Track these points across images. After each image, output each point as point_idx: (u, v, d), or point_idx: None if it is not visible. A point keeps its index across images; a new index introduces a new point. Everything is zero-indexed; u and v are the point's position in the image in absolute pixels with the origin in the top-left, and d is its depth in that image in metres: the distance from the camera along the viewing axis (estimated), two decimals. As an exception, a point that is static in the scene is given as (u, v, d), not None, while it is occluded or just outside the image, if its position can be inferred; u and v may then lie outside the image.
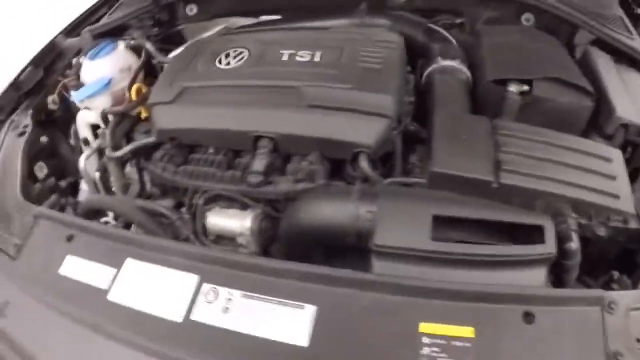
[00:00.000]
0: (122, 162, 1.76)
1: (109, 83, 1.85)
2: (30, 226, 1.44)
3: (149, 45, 1.95)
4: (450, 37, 1.80)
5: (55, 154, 1.97)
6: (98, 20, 2.20)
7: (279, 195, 1.44)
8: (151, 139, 1.63)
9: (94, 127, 1.93)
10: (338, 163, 1.47)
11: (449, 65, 1.63)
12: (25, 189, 1.66)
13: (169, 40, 2.14)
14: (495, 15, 1.89)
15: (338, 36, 1.68)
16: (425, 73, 1.67)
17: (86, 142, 1.92)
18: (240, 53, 1.66)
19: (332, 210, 1.28)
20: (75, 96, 1.85)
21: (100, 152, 1.90)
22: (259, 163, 1.44)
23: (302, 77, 1.51)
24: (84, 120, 1.93)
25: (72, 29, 2.19)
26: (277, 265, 1.18)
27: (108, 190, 1.90)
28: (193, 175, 1.51)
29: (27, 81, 1.99)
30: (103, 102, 1.86)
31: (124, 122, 1.81)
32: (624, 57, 1.73)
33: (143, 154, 1.69)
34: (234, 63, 1.63)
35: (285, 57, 1.60)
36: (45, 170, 1.89)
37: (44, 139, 1.91)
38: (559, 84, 1.50)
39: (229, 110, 1.52)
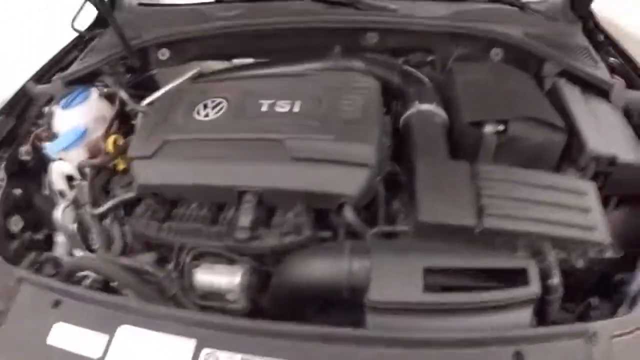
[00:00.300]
0: (101, 216, 1.72)
1: (83, 134, 1.80)
2: (13, 291, 1.38)
3: (122, 94, 1.91)
4: (425, 79, 1.82)
5: (29, 205, 1.90)
6: (69, 65, 2.15)
7: (267, 250, 1.42)
8: (132, 194, 1.59)
9: (69, 178, 1.88)
10: (322, 211, 1.47)
11: (426, 110, 1.65)
12: (1, 247, 1.60)
13: (141, 85, 2.10)
14: (466, 52, 1.93)
15: (315, 83, 1.67)
16: (403, 117, 1.68)
17: (62, 194, 1.86)
18: (219, 104, 1.64)
19: (324, 268, 1.27)
20: (49, 149, 1.80)
21: (76, 203, 1.86)
22: (245, 218, 1.42)
23: (283, 129, 1.50)
24: (59, 172, 1.87)
25: (43, 74, 2.13)
26: (275, 327, 1.17)
27: (86, 242, 1.85)
28: (178, 232, 1.48)
29: (-2, 132, 1.93)
30: (78, 153, 1.81)
31: (101, 174, 1.77)
32: (590, 86, 1.78)
33: (123, 208, 1.65)
34: (212, 114, 1.61)
35: (264, 108, 1.59)
36: (20, 224, 1.81)
37: (17, 191, 1.83)
38: (532, 122, 1.55)
39: (212, 165, 1.50)
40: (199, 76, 2.00)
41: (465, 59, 1.93)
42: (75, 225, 1.82)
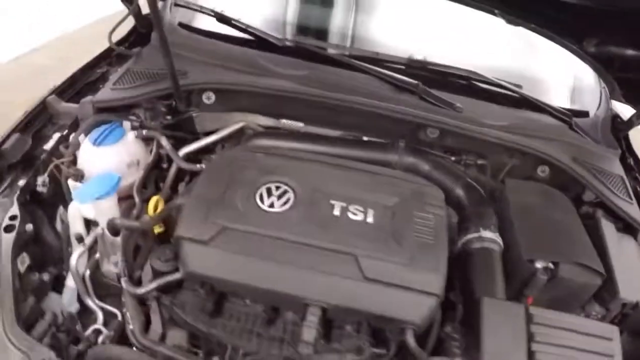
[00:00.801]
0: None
1: (117, 183, 1.58)
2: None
3: (165, 142, 1.70)
4: (485, 198, 1.75)
5: (38, 239, 1.67)
6: (97, 80, 1.89)
7: None
8: (177, 276, 1.42)
9: (87, 221, 1.67)
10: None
11: (488, 238, 1.59)
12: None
13: (175, 125, 1.88)
14: (516, 164, 1.89)
15: (387, 189, 1.56)
16: (464, 240, 1.61)
17: (80, 239, 1.64)
18: (284, 192, 1.49)
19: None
20: (78, 196, 1.56)
21: (91, 250, 1.65)
22: (309, 333, 1.31)
23: (358, 244, 1.40)
24: (78, 213, 1.65)
25: (66, 88, 1.86)
26: None
27: (99, 288, 1.65)
28: (233, 331, 1.36)
29: (13, 151, 1.66)
30: (109, 205, 1.59)
31: (134, 236, 1.57)
32: (622, 221, 1.82)
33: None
34: (278, 205, 1.46)
35: (337, 211, 1.46)
36: (27, 262, 1.59)
37: (29, 227, 1.59)
38: (580, 267, 1.57)
39: (278, 269, 1.36)
40: (248, 137, 1.83)
41: (515, 170, 1.90)
42: (88, 273, 1.63)
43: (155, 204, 1.58)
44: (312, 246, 1.38)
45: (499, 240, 1.61)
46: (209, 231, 1.39)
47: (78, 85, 1.90)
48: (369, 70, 1.92)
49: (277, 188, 1.51)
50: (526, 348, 1.31)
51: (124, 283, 1.46)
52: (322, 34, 2.31)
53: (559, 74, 2.36)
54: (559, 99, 2.23)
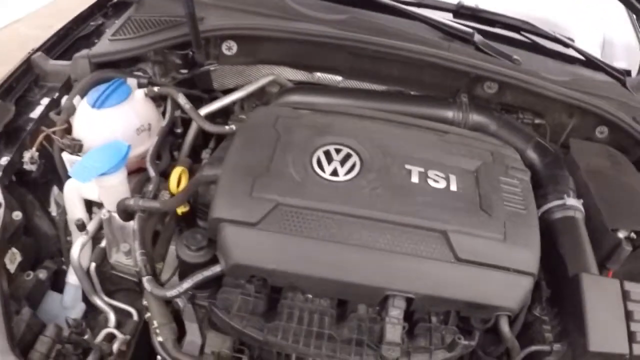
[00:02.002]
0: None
1: (127, 154, 1.15)
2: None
3: (185, 104, 1.28)
4: (561, 159, 1.41)
5: (29, 229, 1.25)
6: (92, 35, 1.44)
7: None
8: (218, 270, 1.02)
9: (89, 203, 1.25)
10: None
11: (572, 205, 1.26)
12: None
13: (188, 81, 1.45)
14: (576, 124, 1.55)
15: (464, 150, 1.19)
16: (545, 208, 1.27)
17: (82, 226, 1.21)
18: (348, 157, 1.09)
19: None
20: (76, 173, 1.12)
21: (96, 239, 1.24)
22: (394, 331, 0.97)
23: (445, 217, 1.03)
24: (77, 194, 1.23)
25: (55, 44, 1.41)
26: None
27: (107, 283, 1.24)
28: (297, 336, 0.98)
29: (-7, 119, 1.22)
30: (117, 182, 1.16)
31: (151, 222, 1.16)
32: None
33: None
34: (343, 173, 1.06)
35: (415, 179, 1.08)
36: (18, 259, 1.18)
37: (16, 215, 1.17)
38: None
39: (350, 253, 0.97)
40: (279, 92, 1.42)
41: (573, 130, 1.57)
42: (93, 266, 1.22)
43: (178, 177, 1.16)
44: (391, 222, 1.01)
45: (582, 207, 1.29)
46: (258, 210, 0.99)
47: (69, 40, 1.44)
48: (417, 15, 1.52)
49: (338, 151, 1.10)
50: (626, 328, 1.08)
51: (146, 283, 1.04)
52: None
53: (589, 29, 2.02)
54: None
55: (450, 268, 0.99)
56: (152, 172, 1.20)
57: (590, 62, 1.70)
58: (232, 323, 1.01)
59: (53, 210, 1.31)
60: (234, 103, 1.46)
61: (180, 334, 1.08)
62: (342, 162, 1.08)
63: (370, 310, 1.03)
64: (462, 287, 1.01)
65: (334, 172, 1.06)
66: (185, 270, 1.08)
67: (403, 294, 0.98)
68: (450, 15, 1.70)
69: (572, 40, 1.72)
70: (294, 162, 1.07)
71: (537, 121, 1.54)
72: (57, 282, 1.27)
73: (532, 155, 1.41)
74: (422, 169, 1.10)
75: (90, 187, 1.19)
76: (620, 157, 1.52)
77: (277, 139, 1.11)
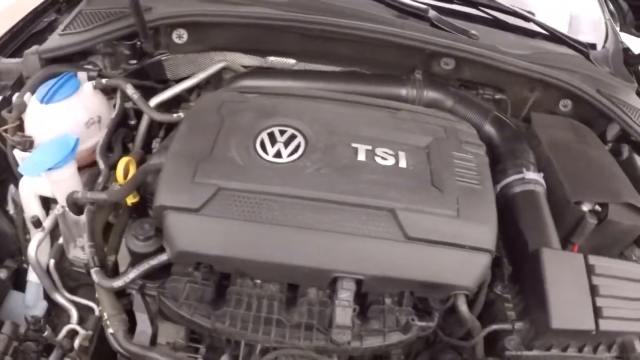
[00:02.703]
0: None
1: (75, 147, 1.13)
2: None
3: (132, 93, 1.25)
4: (520, 133, 1.38)
5: (-15, 229, 1.24)
6: (44, 31, 1.41)
7: (368, 352, 1.00)
8: (164, 259, 1.00)
9: (45, 200, 1.22)
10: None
11: (532, 179, 1.23)
12: None
13: (140, 73, 1.42)
14: (538, 98, 1.52)
15: (415, 126, 1.16)
16: (505, 183, 1.25)
17: (38, 223, 1.19)
18: (292, 137, 1.07)
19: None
20: (25, 169, 1.11)
21: (54, 235, 1.21)
22: (344, 315, 0.95)
23: (393, 195, 0.99)
24: (31, 192, 1.20)
25: (7, 42, 1.38)
26: None
27: (68, 279, 1.22)
28: (246, 323, 0.96)
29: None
30: (66, 176, 1.14)
31: (102, 213, 1.13)
32: None
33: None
34: (287, 154, 1.04)
35: (362, 156, 1.05)
36: None
37: (-33, 218, 1.16)
38: (628, 208, 1.25)
39: (297, 236, 0.95)
40: (231, 78, 1.39)
41: (535, 104, 1.54)
42: (52, 263, 1.20)
43: (125, 167, 1.14)
44: (337, 202, 0.98)
45: (542, 181, 1.26)
46: (200, 195, 0.96)
47: (22, 37, 1.41)
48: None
49: (282, 132, 1.08)
50: (591, 303, 1.04)
51: (94, 275, 1.03)
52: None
53: (555, 4, 1.97)
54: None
55: (400, 247, 0.96)
56: (101, 165, 1.18)
57: (553, 36, 1.65)
58: (180, 312, 0.99)
59: (10, 208, 1.28)
60: (188, 92, 1.43)
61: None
62: (286, 144, 1.06)
63: (320, 294, 1.00)
64: (413, 266, 0.98)
65: (277, 154, 1.04)
66: (135, 260, 1.06)
67: (351, 275, 0.95)
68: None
69: (533, 14, 1.67)
70: (236, 146, 1.04)
71: (497, 96, 1.51)
72: (19, 281, 1.25)
73: (490, 130, 1.38)
74: (369, 147, 1.07)
75: (43, 182, 1.17)
76: (585, 129, 1.49)
77: (221, 124, 1.09)
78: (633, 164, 1.44)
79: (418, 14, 1.48)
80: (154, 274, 1.03)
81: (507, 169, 1.27)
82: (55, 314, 1.24)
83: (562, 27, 1.80)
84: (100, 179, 1.16)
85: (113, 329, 1.02)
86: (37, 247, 1.17)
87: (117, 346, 1.02)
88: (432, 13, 1.47)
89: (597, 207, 1.24)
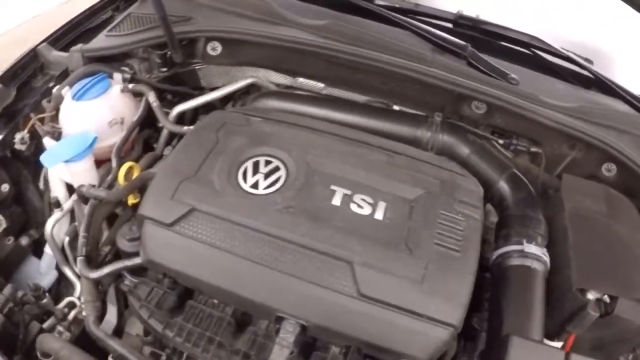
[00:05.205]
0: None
1: (92, 144, 1.23)
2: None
3: (153, 102, 1.32)
4: (536, 199, 1.24)
5: (20, 199, 1.37)
6: (99, 28, 1.52)
7: None
8: (137, 262, 1.06)
9: (69, 185, 1.34)
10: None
11: (532, 253, 1.10)
12: None
13: (177, 78, 1.48)
14: (578, 157, 1.35)
15: (408, 175, 1.10)
16: (500, 252, 1.13)
17: (57, 204, 1.31)
18: (275, 170, 1.07)
19: None
20: (44, 158, 1.22)
21: (72, 214, 1.32)
22: (280, 354, 0.93)
23: (357, 247, 0.96)
24: (58, 176, 1.32)
25: (62, 36, 1.51)
26: None
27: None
28: (190, 335, 0.99)
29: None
30: (83, 169, 1.24)
31: (104, 208, 1.22)
32: None
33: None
34: (264, 186, 1.04)
35: (337, 201, 1.02)
36: (3, 225, 1.29)
37: (5, 187, 1.29)
38: None
39: (250, 270, 0.95)
40: (256, 96, 1.41)
41: (575, 165, 1.37)
42: (67, 240, 1.31)
43: (127, 171, 1.21)
44: (296, 244, 0.96)
45: (546, 258, 1.12)
46: (175, 212, 1.00)
47: (76, 32, 1.54)
48: (405, 23, 1.42)
49: (268, 163, 1.08)
50: None
51: (78, 263, 1.11)
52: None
53: (635, 53, 1.75)
54: (633, 84, 1.60)
55: (350, 302, 0.92)
56: (113, 163, 1.26)
57: (609, 89, 1.47)
58: (140, 312, 1.04)
59: (42, 185, 1.42)
60: (221, 102, 1.48)
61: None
62: (267, 175, 1.06)
63: (271, 327, 1.00)
64: (361, 325, 0.93)
65: (255, 185, 1.04)
66: (121, 257, 1.13)
67: (295, 319, 0.94)
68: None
69: (592, 62, 1.50)
70: (220, 170, 1.07)
71: (533, 149, 1.36)
72: (39, 250, 1.39)
73: (504, 188, 1.26)
74: (348, 192, 1.03)
75: (64, 171, 1.29)
76: (623, 202, 1.28)
77: (214, 145, 1.11)
78: None
79: (455, 51, 1.39)
80: (138, 272, 1.10)
81: (510, 236, 1.15)
82: (63, 284, 1.36)
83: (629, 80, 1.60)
84: (109, 177, 1.24)
85: (85, 313, 1.11)
86: (53, 225, 1.28)
87: (87, 328, 1.10)
88: (469, 50, 1.38)
89: (606, 298, 1.07)
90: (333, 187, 1.04)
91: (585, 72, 1.51)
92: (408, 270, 0.94)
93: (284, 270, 0.95)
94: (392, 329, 0.93)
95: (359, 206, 1.02)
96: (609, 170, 1.34)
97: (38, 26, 1.66)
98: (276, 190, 1.04)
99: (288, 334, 0.94)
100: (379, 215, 1.01)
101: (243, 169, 1.07)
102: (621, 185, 1.33)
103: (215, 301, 1.03)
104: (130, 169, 1.22)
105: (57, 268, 1.34)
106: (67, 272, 1.28)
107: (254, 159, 1.09)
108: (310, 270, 0.94)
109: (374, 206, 1.02)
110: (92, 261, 1.15)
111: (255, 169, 1.07)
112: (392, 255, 0.96)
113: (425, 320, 0.92)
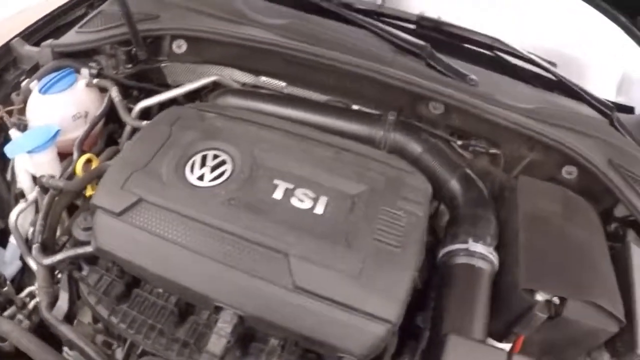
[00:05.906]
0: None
1: (55, 136, 1.27)
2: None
3: (115, 93, 1.36)
4: (487, 198, 1.25)
5: (-14, 189, 1.41)
6: (72, 24, 1.55)
7: None
8: (89, 250, 1.09)
9: (35, 177, 1.37)
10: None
11: (479, 253, 1.12)
12: None
13: (144, 75, 1.51)
14: (538, 159, 1.36)
15: (353, 171, 1.12)
16: (446, 250, 1.15)
17: (21, 195, 1.35)
18: (221, 164, 1.10)
19: None
20: (8, 148, 1.26)
21: (36, 206, 1.36)
22: (217, 344, 0.95)
23: (294, 240, 0.99)
24: (23, 168, 1.36)
25: (36, 31, 1.55)
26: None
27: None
28: (134, 322, 1.02)
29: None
30: (45, 160, 1.28)
31: (64, 197, 1.26)
32: None
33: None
34: (209, 179, 1.07)
35: (278, 194, 1.05)
36: None
37: (-31, 176, 1.34)
38: (593, 307, 1.05)
39: (190, 259, 0.99)
40: (218, 92, 1.45)
41: (534, 167, 1.37)
42: (31, 230, 1.34)
43: (86, 162, 1.25)
44: (235, 235, 0.99)
45: (493, 257, 1.13)
46: (123, 202, 1.04)
47: (50, 27, 1.58)
48: (365, 24, 1.44)
49: (215, 157, 1.12)
50: None
51: (33, 250, 1.15)
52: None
53: (604, 58, 1.76)
54: (601, 88, 1.64)
55: (285, 294, 0.95)
56: (75, 156, 1.30)
57: (572, 92, 1.48)
58: (87, 298, 1.07)
59: (9, 177, 1.45)
60: (186, 100, 1.51)
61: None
62: (213, 169, 1.09)
63: (212, 317, 1.02)
64: (295, 317, 0.95)
65: (201, 177, 1.08)
66: (74, 246, 1.17)
67: (230, 309, 0.96)
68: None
69: (555, 65, 1.51)
70: (169, 163, 1.10)
71: (492, 150, 1.37)
72: (5, 240, 1.43)
73: (455, 187, 1.27)
74: (291, 186, 1.06)
75: (28, 162, 1.32)
76: (581, 204, 1.28)
77: (166, 139, 1.15)
78: (626, 255, 1.20)
79: (413, 52, 1.41)
80: (93, 261, 1.13)
81: (458, 234, 1.16)
82: (27, 274, 1.40)
83: (608, 83, 1.62)
84: (70, 168, 1.28)
85: (39, 299, 1.14)
86: (17, 215, 1.32)
87: (41, 314, 1.13)
88: (427, 51, 1.40)
89: (556, 300, 1.06)
90: (276, 182, 1.07)
91: (549, 75, 1.53)
92: (345, 264, 0.96)
93: (223, 261, 0.97)
94: (327, 323, 0.94)
95: (300, 200, 1.05)
96: (569, 173, 1.35)
97: (23, 21, 1.70)
98: (221, 183, 1.07)
99: (226, 324, 0.96)
100: (319, 209, 1.04)
101: (191, 162, 1.10)
102: (583, 188, 1.33)
103: (160, 290, 1.06)
104: (88, 160, 1.25)
105: (22, 258, 1.39)
106: (30, 262, 1.32)
107: (203, 153, 1.12)
108: (247, 261, 0.97)
109: (315, 200, 1.05)
110: (48, 249, 1.18)
111: (203, 163, 1.10)
112: (330, 248, 0.98)
113: (362, 315, 0.93)
